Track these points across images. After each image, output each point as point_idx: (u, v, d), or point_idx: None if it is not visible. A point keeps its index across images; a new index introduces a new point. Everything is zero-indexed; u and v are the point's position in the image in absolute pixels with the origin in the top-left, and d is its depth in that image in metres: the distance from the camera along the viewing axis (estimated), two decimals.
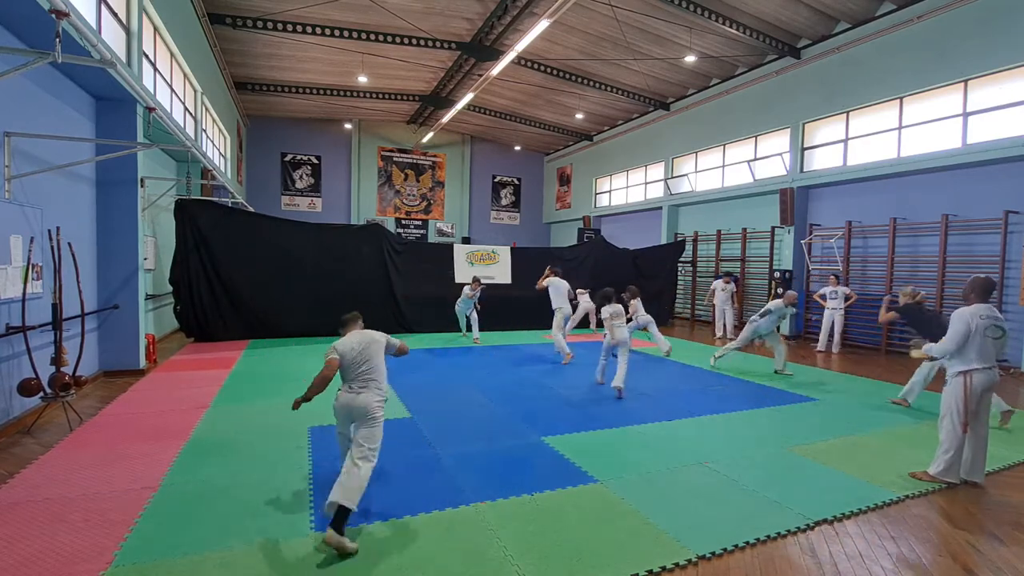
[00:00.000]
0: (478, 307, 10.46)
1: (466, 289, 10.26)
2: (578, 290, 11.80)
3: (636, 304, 9.11)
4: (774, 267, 13.04)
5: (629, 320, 8.85)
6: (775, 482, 3.97)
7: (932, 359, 5.82)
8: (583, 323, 12.39)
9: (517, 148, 23.91)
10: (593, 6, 11.56)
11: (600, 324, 11.80)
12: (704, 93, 15.40)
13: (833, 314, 10.44)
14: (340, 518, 2.91)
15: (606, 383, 6.82)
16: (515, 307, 11.93)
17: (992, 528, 3.40)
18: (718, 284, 12.47)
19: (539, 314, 12.28)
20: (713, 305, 12.75)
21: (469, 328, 10.59)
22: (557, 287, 8.89)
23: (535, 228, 24.81)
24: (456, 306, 10.52)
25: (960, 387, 3.91)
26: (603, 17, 12.04)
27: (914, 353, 5.01)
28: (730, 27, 11.58)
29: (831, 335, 10.57)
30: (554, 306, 8.86)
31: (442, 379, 7.21)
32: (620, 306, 6.83)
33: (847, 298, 10.34)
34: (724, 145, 14.75)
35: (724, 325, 12.35)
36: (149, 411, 5.44)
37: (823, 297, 10.61)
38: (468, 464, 4.20)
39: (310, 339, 9.96)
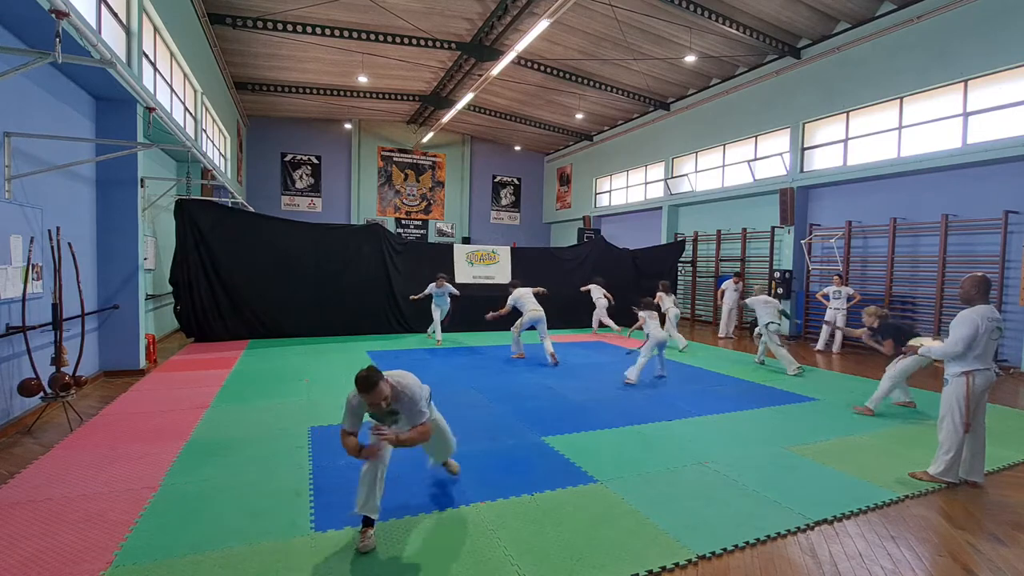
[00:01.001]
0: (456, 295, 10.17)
1: (431, 286, 9.91)
2: (593, 284, 11.77)
3: (664, 298, 9.22)
4: (774, 267, 13.04)
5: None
6: (775, 482, 3.97)
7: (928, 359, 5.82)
8: (584, 324, 12.36)
9: (517, 148, 23.91)
10: (593, 6, 11.56)
11: (602, 325, 11.88)
12: (704, 93, 15.40)
13: (836, 314, 10.41)
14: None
15: (639, 383, 7.03)
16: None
17: (992, 528, 3.40)
18: (729, 284, 12.49)
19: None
20: (719, 305, 12.76)
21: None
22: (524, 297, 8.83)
23: (535, 228, 24.81)
24: (434, 304, 10.04)
25: (962, 387, 3.90)
26: (603, 17, 12.04)
27: (920, 351, 4.96)
28: (730, 27, 11.58)
29: (832, 335, 10.56)
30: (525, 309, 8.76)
31: (442, 379, 7.21)
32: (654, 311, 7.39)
33: (850, 298, 10.32)
34: (724, 145, 14.75)
35: (728, 326, 12.38)
36: (149, 411, 5.44)
37: (826, 297, 10.59)
38: (468, 464, 4.20)
39: (310, 339, 9.96)
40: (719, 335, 12.40)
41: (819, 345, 10.65)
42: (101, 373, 6.98)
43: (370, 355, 8.71)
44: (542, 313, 8.59)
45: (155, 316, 9.47)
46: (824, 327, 10.62)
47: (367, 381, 2.89)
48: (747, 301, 8.81)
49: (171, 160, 10.52)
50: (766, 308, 8.31)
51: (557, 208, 23.77)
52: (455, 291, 10.18)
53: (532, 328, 8.75)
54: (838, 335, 10.46)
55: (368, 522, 3.02)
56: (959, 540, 3.24)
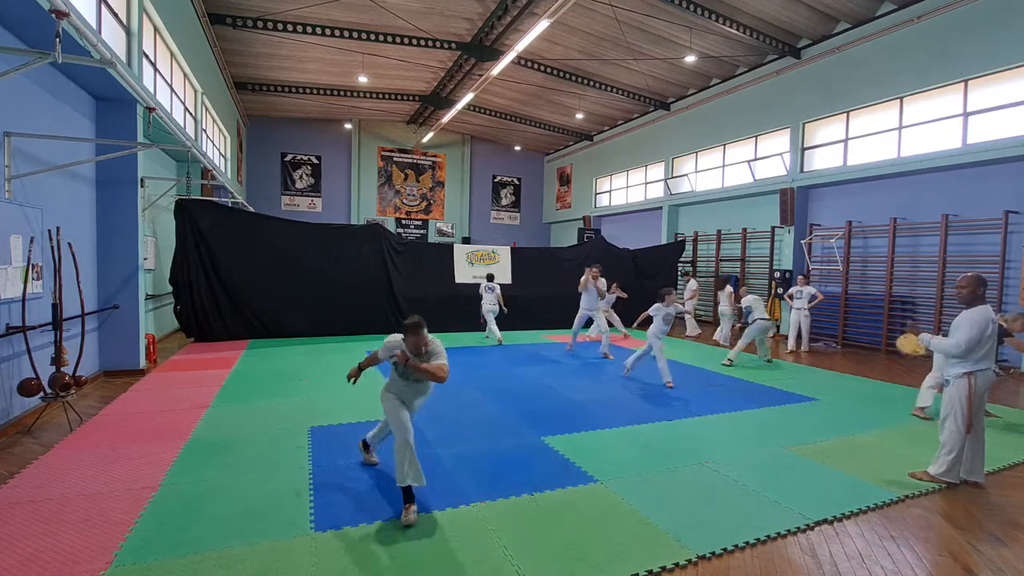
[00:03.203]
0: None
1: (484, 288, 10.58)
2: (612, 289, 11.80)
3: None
4: (774, 267, 13.04)
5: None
6: (775, 482, 3.97)
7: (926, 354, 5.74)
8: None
9: (517, 148, 23.91)
10: (593, 6, 11.56)
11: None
12: (704, 93, 15.40)
13: (799, 314, 10.29)
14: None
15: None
16: (515, 307, 11.91)
17: (992, 528, 3.40)
18: (692, 284, 12.71)
19: (539, 314, 12.30)
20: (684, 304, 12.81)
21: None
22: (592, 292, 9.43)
23: (535, 228, 24.81)
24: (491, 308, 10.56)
25: (965, 388, 3.89)
26: (603, 17, 12.04)
27: (903, 345, 4.84)
28: (730, 27, 11.58)
29: (799, 335, 10.46)
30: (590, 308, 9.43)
31: None
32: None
33: (812, 298, 10.15)
34: (724, 145, 14.75)
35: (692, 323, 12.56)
36: (149, 411, 5.44)
37: (790, 296, 10.44)
38: (468, 464, 4.20)
39: (310, 339, 9.96)
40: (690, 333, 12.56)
41: (790, 346, 10.46)
42: (101, 373, 6.98)
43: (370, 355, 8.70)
44: (585, 311, 9.46)
45: (155, 316, 9.46)
46: (791, 327, 10.55)
47: (419, 324, 3.41)
48: (745, 301, 8.94)
49: (171, 160, 10.51)
50: (758, 304, 8.75)
51: (557, 208, 23.77)
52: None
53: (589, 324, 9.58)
54: (805, 334, 10.41)
55: (410, 497, 3.27)
56: (959, 540, 3.24)
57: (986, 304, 3.96)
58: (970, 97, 9.38)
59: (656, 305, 7.24)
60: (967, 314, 3.91)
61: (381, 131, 21.60)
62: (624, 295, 11.83)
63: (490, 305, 10.42)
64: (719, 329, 11.49)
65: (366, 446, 4.17)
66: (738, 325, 8.51)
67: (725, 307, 11.20)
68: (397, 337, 3.53)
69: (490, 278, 10.73)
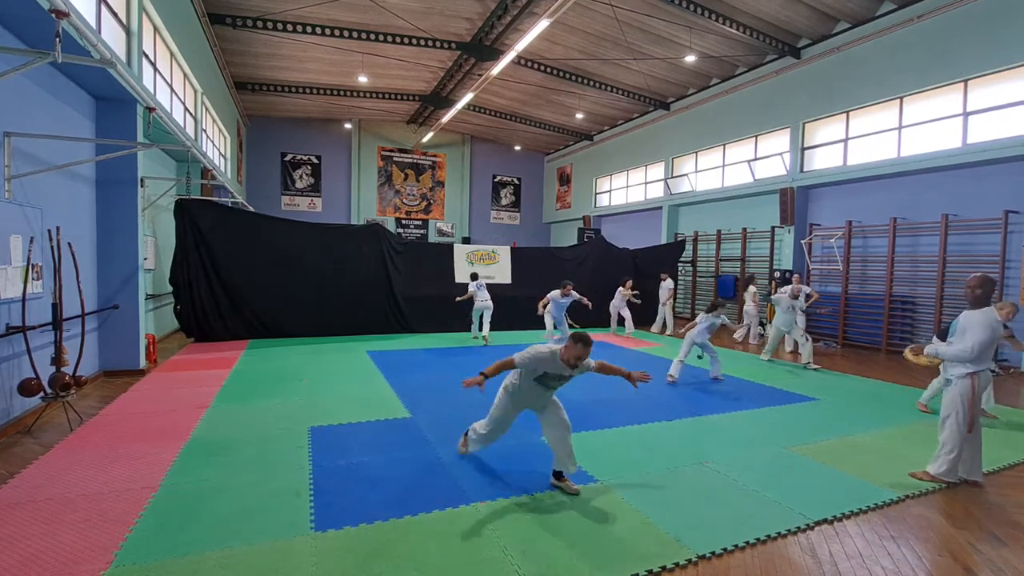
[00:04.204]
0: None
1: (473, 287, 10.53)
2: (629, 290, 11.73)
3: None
4: (774, 267, 13.05)
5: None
6: (775, 482, 3.97)
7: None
8: (585, 323, 12.30)
9: (517, 148, 23.92)
10: (593, 6, 11.56)
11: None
12: (704, 93, 15.41)
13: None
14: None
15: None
16: (515, 307, 11.92)
17: (992, 528, 3.40)
18: (668, 284, 12.68)
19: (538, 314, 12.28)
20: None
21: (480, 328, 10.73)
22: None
23: (535, 228, 24.82)
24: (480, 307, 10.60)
25: (968, 388, 3.88)
26: (603, 17, 12.04)
27: (914, 357, 4.87)
28: (730, 27, 11.58)
29: (748, 326, 10.46)
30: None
31: (442, 379, 7.20)
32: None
33: (808, 297, 9.95)
34: (724, 145, 14.76)
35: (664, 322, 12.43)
36: (149, 411, 5.44)
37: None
38: (468, 464, 4.21)
39: (310, 339, 9.96)
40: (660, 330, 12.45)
41: (788, 347, 10.27)
42: (101, 373, 6.98)
43: (370, 355, 8.71)
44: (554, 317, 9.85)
45: (155, 316, 9.46)
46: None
47: (589, 338, 3.57)
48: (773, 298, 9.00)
49: (171, 160, 10.51)
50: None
51: (557, 208, 23.78)
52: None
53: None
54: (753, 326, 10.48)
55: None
56: (959, 540, 3.24)
57: (990, 306, 3.95)
58: (970, 97, 9.38)
59: (703, 314, 7.57)
60: (974, 316, 3.85)
61: (381, 131, 21.61)
62: (635, 297, 11.63)
63: (483, 302, 10.37)
64: (751, 329, 11.34)
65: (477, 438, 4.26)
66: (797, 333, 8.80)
67: (750, 307, 11.18)
68: (543, 350, 3.69)
69: (474, 277, 10.70)
